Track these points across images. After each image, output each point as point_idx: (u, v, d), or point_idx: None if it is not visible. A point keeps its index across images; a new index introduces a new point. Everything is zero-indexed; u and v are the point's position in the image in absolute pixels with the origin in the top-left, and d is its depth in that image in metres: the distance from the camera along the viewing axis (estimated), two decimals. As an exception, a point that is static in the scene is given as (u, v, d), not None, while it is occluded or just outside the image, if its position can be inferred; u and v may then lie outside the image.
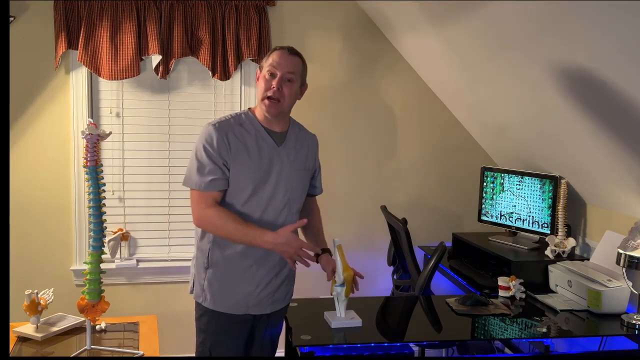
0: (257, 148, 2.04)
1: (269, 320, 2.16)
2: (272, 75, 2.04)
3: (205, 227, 2.03)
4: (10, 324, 2.53)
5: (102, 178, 2.28)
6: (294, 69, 2.06)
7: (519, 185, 3.09)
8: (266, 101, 2.02)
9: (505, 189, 3.18)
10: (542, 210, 2.96)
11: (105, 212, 2.30)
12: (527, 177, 3.05)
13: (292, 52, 2.09)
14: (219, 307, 2.05)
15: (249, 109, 2.14)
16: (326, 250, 2.21)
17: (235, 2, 3.22)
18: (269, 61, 2.06)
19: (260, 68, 2.10)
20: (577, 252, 2.99)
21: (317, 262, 2.14)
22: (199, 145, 2.02)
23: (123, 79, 3.11)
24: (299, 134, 2.20)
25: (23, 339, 2.51)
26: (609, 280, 2.40)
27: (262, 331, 2.15)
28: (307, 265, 1.98)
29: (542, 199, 2.96)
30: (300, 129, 2.23)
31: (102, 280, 2.33)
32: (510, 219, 3.14)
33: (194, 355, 2.14)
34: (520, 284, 2.58)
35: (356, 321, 2.16)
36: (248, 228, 1.97)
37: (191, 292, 2.14)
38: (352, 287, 2.13)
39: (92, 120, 2.30)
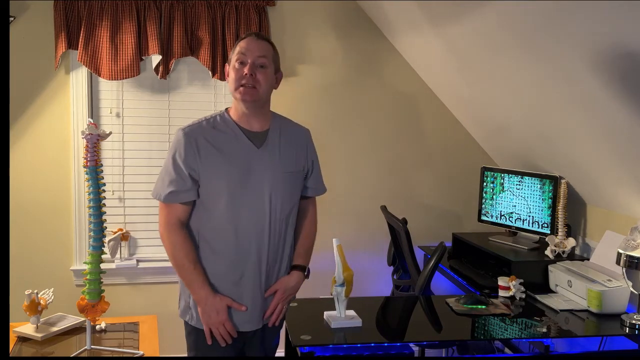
0: (232, 151, 1.91)
1: (264, 336, 2.07)
2: (242, 63, 1.88)
3: (164, 244, 1.96)
4: (10, 324, 2.53)
5: (102, 178, 2.28)
6: (264, 52, 1.90)
7: (519, 185, 3.09)
8: (241, 89, 1.87)
9: (505, 189, 3.18)
10: (542, 210, 2.96)
11: (105, 212, 2.30)
12: (527, 177, 3.05)
13: (260, 37, 1.93)
14: None
15: (226, 109, 2.00)
16: (297, 268, 2.07)
17: (235, 2, 3.22)
18: (236, 50, 1.91)
19: (229, 61, 1.94)
20: (577, 252, 2.98)
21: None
22: (168, 153, 1.93)
23: (123, 79, 3.11)
24: (284, 131, 2.02)
25: (23, 339, 2.51)
26: (609, 280, 2.40)
27: (256, 347, 2.06)
28: (222, 343, 1.92)
29: (542, 199, 2.96)
30: (286, 124, 2.06)
31: (102, 280, 2.33)
32: (510, 219, 3.14)
33: (193, 355, 2.14)
34: (520, 284, 2.57)
35: (356, 321, 2.15)
36: (194, 272, 1.92)
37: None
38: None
39: (92, 120, 2.30)
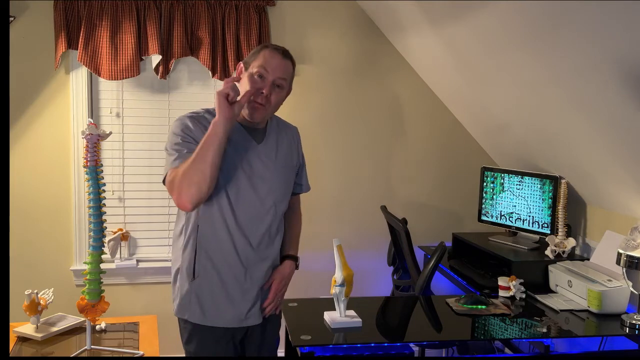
0: (233, 146, 1.88)
1: (265, 332, 2.05)
2: (262, 77, 1.85)
3: (182, 188, 1.76)
4: (10, 324, 2.53)
5: (102, 178, 2.28)
6: (285, 74, 1.89)
7: (519, 185, 3.09)
8: (253, 103, 1.85)
9: (505, 189, 3.18)
10: (542, 210, 2.96)
11: (105, 212, 2.30)
12: (527, 177, 3.05)
13: (286, 55, 1.90)
14: (210, 320, 1.92)
15: None
16: (289, 258, 2.07)
17: (235, 2, 3.22)
18: (259, 60, 1.86)
19: (246, 64, 1.89)
20: (577, 252, 2.99)
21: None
22: (170, 137, 1.86)
23: (123, 79, 3.11)
24: (278, 128, 2.04)
25: (23, 339, 2.51)
26: (609, 280, 2.40)
27: (256, 343, 2.05)
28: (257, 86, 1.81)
29: (542, 199, 2.96)
30: (278, 121, 2.07)
31: (102, 280, 2.33)
32: (510, 219, 3.14)
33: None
34: (520, 284, 2.58)
35: (356, 321, 2.16)
36: (203, 141, 1.75)
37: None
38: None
39: (92, 120, 2.30)
